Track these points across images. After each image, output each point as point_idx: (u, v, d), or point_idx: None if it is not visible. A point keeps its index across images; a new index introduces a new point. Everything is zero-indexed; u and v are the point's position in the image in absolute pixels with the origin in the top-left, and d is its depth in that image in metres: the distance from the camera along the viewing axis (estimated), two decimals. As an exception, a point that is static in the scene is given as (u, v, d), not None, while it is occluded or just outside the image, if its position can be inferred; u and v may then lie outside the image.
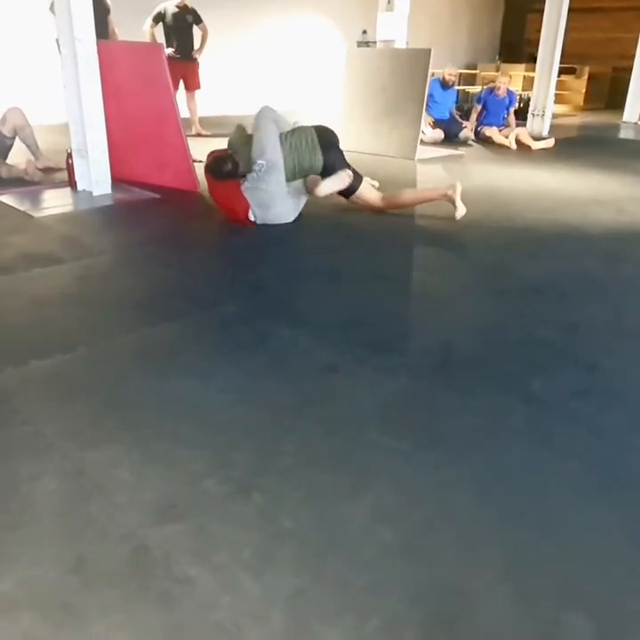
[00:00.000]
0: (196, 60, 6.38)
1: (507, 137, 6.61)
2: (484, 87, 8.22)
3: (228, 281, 2.61)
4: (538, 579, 1.16)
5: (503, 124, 6.92)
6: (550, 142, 6.64)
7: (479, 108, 7.01)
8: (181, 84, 6.29)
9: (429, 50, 5.32)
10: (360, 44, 8.81)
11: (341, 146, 3.49)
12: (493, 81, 10.22)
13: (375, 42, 7.22)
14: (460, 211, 3.49)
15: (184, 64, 6.20)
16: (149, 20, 6.11)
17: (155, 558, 1.18)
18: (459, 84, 10.12)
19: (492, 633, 1.05)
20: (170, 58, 5.93)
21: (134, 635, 1.03)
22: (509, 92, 6.93)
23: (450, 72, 6.84)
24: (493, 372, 1.92)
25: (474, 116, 7.09)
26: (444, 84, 6.81)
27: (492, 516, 1.32)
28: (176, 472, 1.41)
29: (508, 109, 6.91)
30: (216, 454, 1.48)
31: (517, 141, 6.51)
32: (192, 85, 6.42)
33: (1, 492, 1.34)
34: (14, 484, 1.36)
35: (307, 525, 1.27)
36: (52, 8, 4.44)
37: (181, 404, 1.70)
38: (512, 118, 7.02)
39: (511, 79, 7.14)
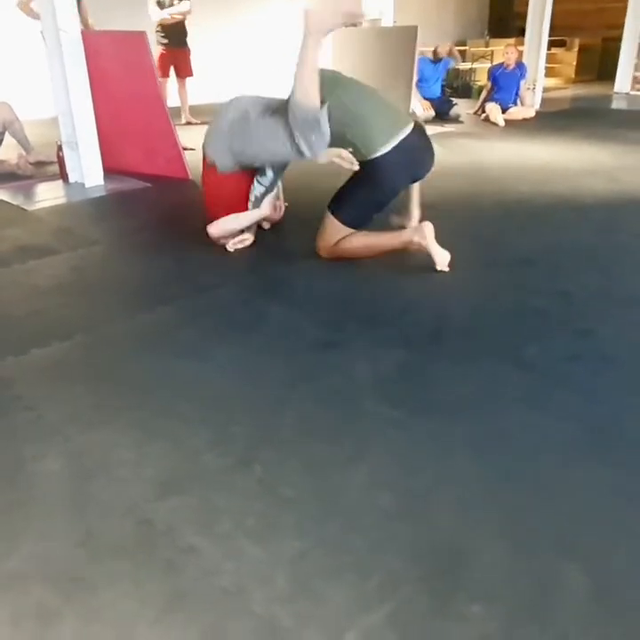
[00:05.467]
0: (187, 47, 6.26)
1: (524, 118, 6.49)
2: (492, 64, 8.00)
3: (222, 264, 2.63)
4: (533, 535, 1.19)
5: (515, 101, 6.71)
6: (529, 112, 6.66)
7: (489, 85, 6.83)
8: (173, 72, 6.19)
9: (416, 27, 5.30)
10: (347, 24, 8.73)
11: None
12: (484, 56, 10.19)
13: (362, 22, 7.18)
14: (441, 258, 2.44)
15: (175, 51, 6.10)
16: (155, 8, 5.95)
17: (159, 530, 1.21)
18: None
19: (490, 587, 1.08)
20: (161, 44, 5.86)
21: (141, 601, 1.06)
22: (520, 64, 6.69)
23: (442, 45, 6.87)
24: (487, 341, 1.94)
25: (484, 94, 6.91)
26: (435, 57, 6.78)
27: (489, 477, 1.35)
28: (177, 448, 1.44)
29: (519, 83, 6.68)
30: (216, 429, 1.51)
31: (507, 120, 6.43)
32: (183, 73, 6.27)
33: (7, 472, 1.37)
34: (19, 465, 1.39)
35: (307, 493, 1.30)
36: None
37: (180, 383, 1.72)
38: (525, 93, 6.77)
39: (517, 50, 6.76)
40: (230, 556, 1.14)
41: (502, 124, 6.28)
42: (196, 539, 1.18)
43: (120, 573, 1.12)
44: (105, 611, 1.04)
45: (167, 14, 5.93)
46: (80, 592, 1.08)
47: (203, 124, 6.26)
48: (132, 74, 4.02)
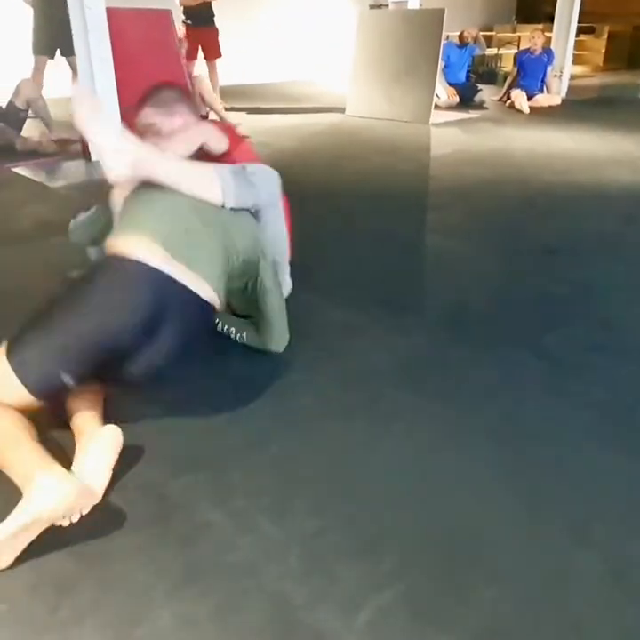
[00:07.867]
0: (213, 26, 6.07)
1: (550, 106, 6.39)
2: (518, 50, 7.87)
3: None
4: (549, 521, 1.19)
5: (541, 88, 6.61)
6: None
7: (515, 71, 6.72)
8: (201, 53, 6.00)
9: (443, 10, 5.21)
10: (373, 6, 8.62)
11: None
12: (510, 42, 10.02)
13: (388, 4, 7.09)
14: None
15: (201, 30, 5.90)
16: None
17: (175, 505, 1.22)
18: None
19: (504, 571, 1.08)
20: (185, 24, 5.77)
21: (156, 574, 1.07)
22: (547, 50, 6.58)
23: (469, 30, 6.78)
24: (508, 329, 1.93)
25: (509, 80, 6.80)
26: (461, 42, 6.69)
27: (505, 464, 1.34)
28: (194, 427, 1.45)
29: (545, 69, 6.58)
30: (233, 408, 1.51)
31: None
32: (211, 54, 5.96)
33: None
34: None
35: (323, 474, 1.30)
36: None
37: (198, 362, 1.73)
38: (552, 81, 6.67)
39: (543, 36, 6.65)
40: (245, 533, 1.15)
41: (527, 111, 6.18)
42: (212, 515, 1.19)
43: (136, 546, 1.13)
44: (121, 582, 1.06)
45: None
46: (97, 563, 1.10)
47: (231, 109, 6.15)
48: (156, 52, 4.02)
